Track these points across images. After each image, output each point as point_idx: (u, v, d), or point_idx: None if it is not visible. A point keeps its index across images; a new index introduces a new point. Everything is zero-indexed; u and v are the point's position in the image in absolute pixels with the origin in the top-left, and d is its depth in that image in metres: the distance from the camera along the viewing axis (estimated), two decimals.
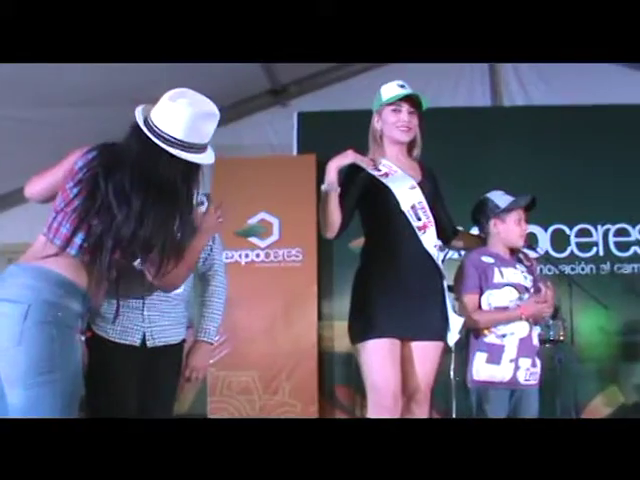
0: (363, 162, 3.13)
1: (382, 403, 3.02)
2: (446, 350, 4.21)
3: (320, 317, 6.21)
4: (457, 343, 4.57)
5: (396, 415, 3.01)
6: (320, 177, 6.15)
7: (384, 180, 3.16)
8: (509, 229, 3.49)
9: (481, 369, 3.39)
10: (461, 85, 6.69)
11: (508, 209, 3.48)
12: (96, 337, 2.79)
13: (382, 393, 3.03)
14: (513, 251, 3.56)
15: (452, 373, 4.90)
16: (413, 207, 3.15)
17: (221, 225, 2.76)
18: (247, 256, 6.28)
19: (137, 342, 2.88)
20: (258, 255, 6.30)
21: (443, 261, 4.24)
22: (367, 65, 6.64)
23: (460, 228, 3.58)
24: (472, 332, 3.47)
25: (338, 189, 3.07)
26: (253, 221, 6.31)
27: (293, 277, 6.18)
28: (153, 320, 2.92)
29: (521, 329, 3.41)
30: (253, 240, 6.30)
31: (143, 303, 2.89)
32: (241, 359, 5.95)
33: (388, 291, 3.09)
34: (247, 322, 5.94)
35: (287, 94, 6.82)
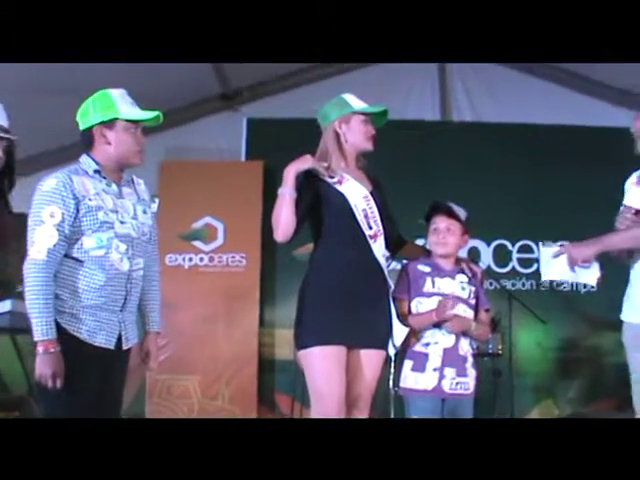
0: (320, 168, 3.15)
1: (326, 411, 3.02)
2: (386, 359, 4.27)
3: (262, 323, 6.20)
4: (397, 353, 4.64)
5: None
6: (267, 184, 6.25)
7: (338, 187, 3.18)
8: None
9: (407, 376, 3.45)
10: (411, 100, 6.74)
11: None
12: (70, 338, 2.71)
13: (327, 401, 3.03)
14: (458, 262, 3.61)
15: (391, 382, 4.94)
16: (366, 215, 3.17)
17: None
18: (191, 260, 6.24)
19: (112, 345, 2.81)
20: (202, 259, 6.26)
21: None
22: (316, 75, 6.68)
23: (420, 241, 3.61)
24: (404, 341, 3.51)
25: (295, 194, 3.08)
26: (198, 225, 6.27)
27: (236, 282, 6.16)
28: (126, 321, 2.87)
29: (446, 339, 3.45)
30: (197, 244, 6.27)
31: (123, 305, 2.84)
32: (181, 363, 5.88)
33: (335, 298, 3.10)
34: (189, 326, 5.90)
35: (238, 99, 6.80)
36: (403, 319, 3.42)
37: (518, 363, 5.89)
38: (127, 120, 2.83)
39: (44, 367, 2.63)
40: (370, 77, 6.49)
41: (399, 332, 3.26)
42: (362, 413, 3.17)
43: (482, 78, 6.70)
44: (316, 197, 3.17)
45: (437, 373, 3.40)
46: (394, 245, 3.41)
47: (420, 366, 3.42)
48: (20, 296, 5.89)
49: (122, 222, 2.82)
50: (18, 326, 4.51)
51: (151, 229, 2.97)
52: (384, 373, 4.87)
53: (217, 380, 6.01)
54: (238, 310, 6.11)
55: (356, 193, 3.18)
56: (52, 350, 2.64)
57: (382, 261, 3.20)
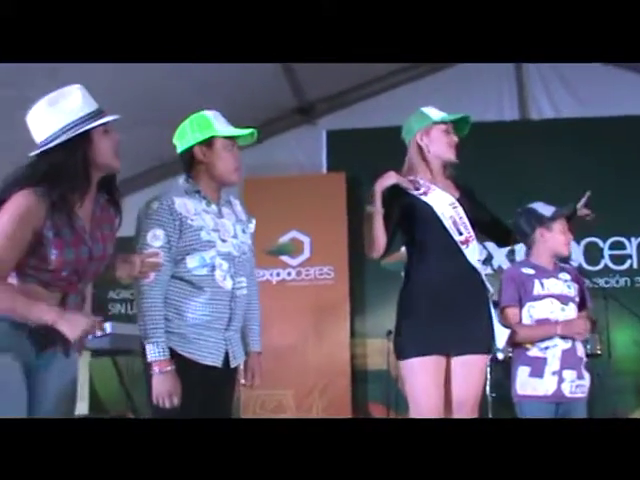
0: (404, 182, 3.16)
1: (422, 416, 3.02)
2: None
3: (353, 334, 6.20)
4: (492, 359, 4.57)
5: None
6: (350, 194, 6.26)
7: (424, 198, 3.18)
8: (556, 237, 3.49)
9: (524, 383, 3.39)
10: (490, 102, 6.66)
11: (553, 218, 3.48)
12: (177, 358, 2.75)
13: (423, 411, 3.03)
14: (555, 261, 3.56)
15: (488, 389, 4.88)
16: (454, 222, 3.16)
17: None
18: (278, 275, 6.30)
19: (219, 363, 2.84)
20: (289, 273, 6.31)
21: None
22: (390, 83, 6.69)
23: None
24: (515, 346, 3.47)
25: (382, 210, 3.09)
26: (284, 239, 6.33)
27: (325, 295, 6.19)
28: (232, 339, 2.90)
29: (564, 341, 3.39)
30: (284, 259, 6.32)
31: (228, 323, 2.86)
32: (274, 378, 5.91)
33: (432, 309, 3.09)
34: (280, 341, 5.94)
35: (315, 112, 6.85)
36: (513, 329, 3.40)
37: (617, 363, 5.73)
38: (224, 137, 2.86)
39: (160, 386, 2.68)
40: (445, 82, 6.46)
41: (501, 335, 3.28)
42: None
43: (559, 74, 6.57)
44: (403, 211, 3.18)
45: (556, 377, 3.35)
46: (503, 237, 3.44)
47: (538, 371, 3.37)
48: (118, 318, 6.08)
49: (223, 240, 2.84)
50: (118, 348, 4.65)
51: (250, 249, 3.01)
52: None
53: (310, 393, 6.04)
54: (328, 322, 6.14)
55: (442, 202, 3.17)
56: (167, 369, 2.68)
57: (477, 265, 3.18)
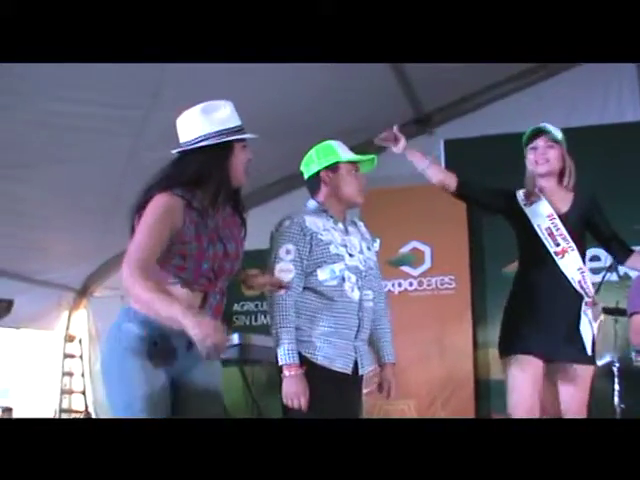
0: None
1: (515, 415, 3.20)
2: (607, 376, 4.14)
3: (475, 344, 6.15)
4: (620, 370, 4.46)
5: None
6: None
7: (526, 209, 3.39)
8: None
9: None
10: (610, 100, 6.49)
11: None
12: (310, 365, 2.96)
13: (517, 409, 3.20)
14: None
15: (616, 400, 4.74)
16: (550, 234, 3.31)
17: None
18: (400, 285, 6.33)
19: (349, 369, 3.03)
20: (411, 284, 6.33)
21: (602, 283, 4.20)
22: (504, 91, 6.64)
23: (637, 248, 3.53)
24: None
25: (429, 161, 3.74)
26: (405, 250, 6.35)
27: (447, 304, 6.17)
28: (360, 349, 3.09)
29: None
30: (405, 269, 6.35)
31: (357, 332, 3.05)
32: (397, 387, 5.94)
33: (527, 314, 3.28)
34: (402, 351, 5.92)
35: (432, 122, 6.85)
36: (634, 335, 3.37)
37: None
38: (348, 162, 3.12)
39: (289, 388, 2.90)
40: (558, 87, 6.35)
41: (588, 339, 3.27)
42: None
43: None
44: (511, 221, 3.45)
45: None
46: (620, 255, 3.48)
47: None
48: (243, 330, 6.25)
49: (351, 255, 3.07)
50: (246, 357, 4.81)
51: (376, 265, 3.21)
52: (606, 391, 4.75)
53: (433, 403, 6.02)
54: (451, 332, 6.11)
55: (540, 213, 3.35)
56: (296, 372, 2.89)
57: (573, 275, 3.29)
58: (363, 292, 3.07)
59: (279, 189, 6.76)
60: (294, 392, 2.87)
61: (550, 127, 3.39)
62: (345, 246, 3.07)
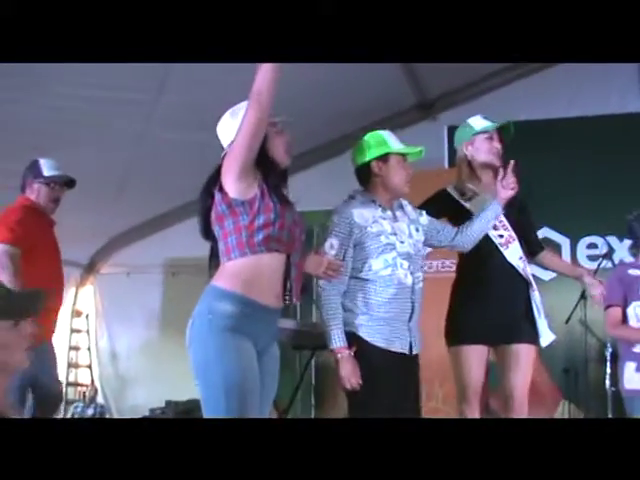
0: (453, 192, 3.57)
1: (468, 399, 3.41)
2: (601, 361, 4.28)
3: None
4: (613, 353, 4.58)
5: (475, 413, 3.39)
6: None
7: (466, 204, 3.50)
8: None
9: (631, 378, 3.46)
10: (612, 91, 6.56)
11: None
12: (370, 347, 3.12)
13: (467, 394, 3.40)
14: None
15: (607, 382, 4.87)
16: (494, 226, 3.42)
17: None
18: None
19: (407, 349, 3.17)
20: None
21: (597, 270, 4.32)
22: (507, 78, 6.71)
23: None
24: (622, 342, 3.53)
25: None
26: None
27: (448, 287, 6.15)
28: (412, 329, 3.22)
29: None
30: None
31: (411, 315, 3.18)
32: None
33: (478, 300, 3.42)
34: None
35: (435, 108, 6.92)
36: (615, 330, 3.50)
37: None
38: (398, 153, 3.17)
39: (342, 370, 3.06)
40: (563, 75, 6.41)
41: (542, 326, 3.45)
42: (519, 404, 3.40)
43: None
44: (449, 217, 3.51)
45: None
46: (532, 250, 3.65)
47: None
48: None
49: (402, 242, 3.18)
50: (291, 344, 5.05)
51: (423, 246, 3.32)
52: (600, 373, 4.87)
53: (430, 382, 6.13)
54: None
55: (482, 207, 3.39)
56: (346, 354, 3.05)
57: (517, 263, 3.45)
58: (414, 276, 3.17)
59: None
60: (345, 373, 3.04)
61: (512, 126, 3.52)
62: (395, 234, 3.16)
